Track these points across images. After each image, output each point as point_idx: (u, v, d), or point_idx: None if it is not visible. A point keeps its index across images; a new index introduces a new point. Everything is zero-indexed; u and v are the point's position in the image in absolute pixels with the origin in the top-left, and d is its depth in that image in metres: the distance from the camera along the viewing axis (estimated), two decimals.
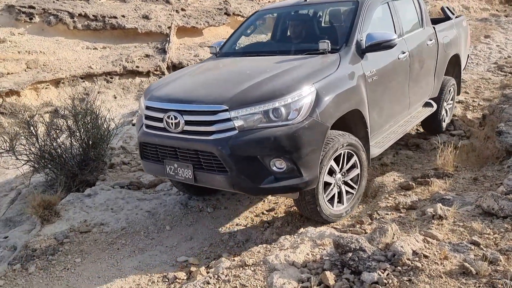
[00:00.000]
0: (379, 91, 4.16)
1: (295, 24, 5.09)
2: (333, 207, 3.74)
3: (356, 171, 3.89)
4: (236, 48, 4.99)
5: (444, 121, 6.05)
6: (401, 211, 3.75)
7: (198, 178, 3.50)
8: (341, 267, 2.49)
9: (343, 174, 3.79)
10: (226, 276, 2.63)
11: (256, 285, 2.50)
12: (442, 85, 5.77)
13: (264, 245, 3.10)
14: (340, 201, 3.82)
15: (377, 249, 2.51)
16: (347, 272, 2.42)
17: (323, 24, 4.94)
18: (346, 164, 3.78)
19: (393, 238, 2.66)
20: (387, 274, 2.26)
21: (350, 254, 2.46)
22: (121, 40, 9.71)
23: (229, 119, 3.28)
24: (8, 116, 7.45)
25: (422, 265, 2.27)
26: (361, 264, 2.39)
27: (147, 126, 3.78)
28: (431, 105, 5.53)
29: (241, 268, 2.72)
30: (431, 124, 5.85)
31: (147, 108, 3.78)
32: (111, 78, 8.83)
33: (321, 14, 4.98)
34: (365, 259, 2.40)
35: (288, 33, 5.12)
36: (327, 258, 2.65)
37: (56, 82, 8.27)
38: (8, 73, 7.84)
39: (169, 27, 9.98)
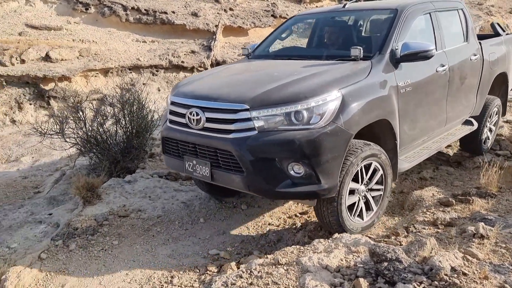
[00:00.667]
0: (413, 103, 4.02)
1: (331, 30, 5.04)
2: (353, 219, 3.62)
3: (379, 187, 3.76)
4: (269, 51, 4.96)
5: (486, 142, 5.75)
6: (439, 227, 3.67)
7: (215, 176, 3.50)
8: (375, 276, 2.47)
9: (366, 185, 3.66)
10: (258, 272, 2.67)
11: (288, 285, 2.52)
12: (486, 103, 5.49)
13: (298, 246, 3.11)
14: (360, 214, 3.71)
15: (414, 261, 2.48)
16: (381, 281, 2.40)
17: (358, 32, 4.84)
18: (370, 177, 3.65)
19: (431, 252, 2.61)
20: (423, 287, 2.23)
21: (385, 264, 2.44)
22: (169, 35, 9.96)
23: (249, 119, 3.26)
24: (59, 100, 7.81)
25: (460, 282, 2.22)
26: (396, 275, 2.36)
27: (171, 121, 3.84)
28: (471, 124, 5.25)
29: (273, 266, 2.75)
30: (471, 144, 5.58)
31: (172, 103, 3.85)
32: (157, 71, 9.08)
33: (357, 22, 4.88)
34: (400, 270, 2.38)
35: (323, 39, 5.08)
36: (361, 265, 2.63)
37: (105, 71, 8.59)
38: (62, 59, 8.21)
39: (216, 26, 10.15)
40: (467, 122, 5.27)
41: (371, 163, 3.59)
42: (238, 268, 3.12)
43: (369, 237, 3.52)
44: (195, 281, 3.25)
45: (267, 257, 2.90)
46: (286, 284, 2.50)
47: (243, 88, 3.56)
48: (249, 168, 3.23)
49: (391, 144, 3.83)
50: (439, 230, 3.58)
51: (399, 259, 2.44)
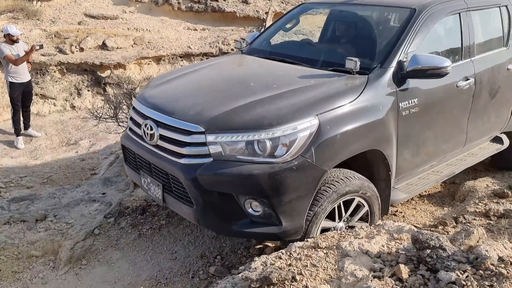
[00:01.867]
0: (419, 126, 3.37)
1: (337, 27, 4.31)
2: None
3: (364, 224, 3.20)
4: (268, 45, 4.25)
5: None
6: (491, 218, 3.50)
7: (167, 200, 3.06)
8: (417, 263, 2.41)
9: (346, 222, 3.17)
10: (298, 254, 2.68)
11: (327, 267, 2.52)
12: None
13: (339, 231, 3.09)
14: None
15: (459, 250, 2.39)
16: (423, 268, 2.33)
17: (365, 34, 3.94)
18: (353, 212, 3.15)
19: (478, 242, 2.50)
20: (467, 276, 2.14)
21: (428, 251, 2.37)
22: (220, 23, 10.09)
23: (204, 144, 2.76)
24: (114, 86, 8.17)
25: (507, 272, 2.12)
26: (439, 263, 2.29)
27: (130, 129, 3.39)
28: (501, 142, 4.44)
29: (313, 249, 2.76)
30: (501, 161, 4.79)
31: (133, 108, 3.39)
32: (207, 59, 9.24)
33: (367, 21, 4.02)
34: (444, 258, 2.30)
35: (328, 38, 4.41)
36: (403, 252, 2.57)
37: (158, 59, 8.86)
38: (117, 48, 8.57)
39: (266, 13, 10.14)
40: (496, 140, 4.47)
41: (353, 199, 3.07)
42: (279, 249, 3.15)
43: (415, 226, 3.43)
44: (238, 261, 3.33)
45: (307, 241, 2.91)
46: (324, 267, 2.50)
47: (203, 103, 3.01)
48: (199, 201, 2.78)
49: (385, 174, 3.26)
50: (490, 222, 3.42)
51: (442, 246, 2.36)
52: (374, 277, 2.34)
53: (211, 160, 2.74)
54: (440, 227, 3.44)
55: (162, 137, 2.96)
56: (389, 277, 2.32)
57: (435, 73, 3.09)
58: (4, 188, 4.95)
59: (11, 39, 6.50)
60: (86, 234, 3.74)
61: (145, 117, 3.13)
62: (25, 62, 6.62)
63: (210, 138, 2.73)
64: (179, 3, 9.94)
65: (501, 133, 4.51)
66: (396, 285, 2.22)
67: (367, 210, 3.16)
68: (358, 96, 2.97)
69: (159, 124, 2.99)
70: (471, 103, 3.79)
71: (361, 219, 3.20)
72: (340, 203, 3.00)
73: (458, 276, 2.15)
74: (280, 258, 2.64)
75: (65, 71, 8.16)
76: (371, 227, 3.12)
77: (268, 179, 2.66)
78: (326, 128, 2.77)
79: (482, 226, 3.24)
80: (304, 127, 2.72)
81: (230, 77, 3.58)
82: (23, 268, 3.32)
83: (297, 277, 2.35)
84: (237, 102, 2.90)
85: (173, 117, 2.92)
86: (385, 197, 3.28)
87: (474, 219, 3.51)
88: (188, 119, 2.85)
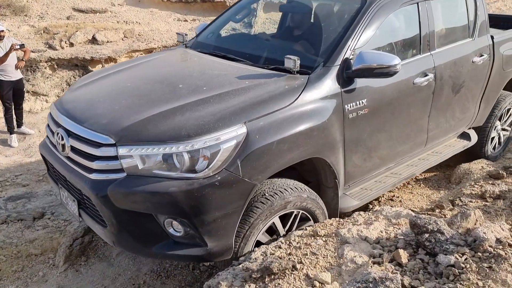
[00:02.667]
0: (369, 129, 3.10)
1: (289, 20, 3.89)
2: None
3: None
4: (216, 38, 3.86)
5: (495, 149, 4.78)
6: (487, 199, 3.53)
7: (84, 217, 2.77)
8: (415, 247, 2.43)
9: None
10: (297, 243, 2.70)
11: (327, 255, 2.53)
12: (496, 103, 4.43)
13: (337, 219, 3.10)
14: None
15: (457, 233, 2.41)
16: (421, 252, 2.36)
17: (313, 28, 3.57)
18: (294, 224, 2.92)
19: (475, 224, 2.53)
20: (465, 259, 2.17)
21: (426, 235, 2.39)
22: (210, 13, 10.01)
23: (115, 157, 2.42)
24: None
25: (505, 253, 2.14)
26: (437, 246, 2.31)
27: (47, 136, 3.06)
28: (468, 138, 4.27)
29: (312, 238, 2.77)
30: (470, 153, 4.54)
31: (49, 114, 3.07)
32: None
33: (317, 13, 3.61)
34: (442, 242, 2.32)
35: (280, 31, 4.07)
36: (402, 237, 2.59)
37: (149, 51, 8.78)
38: (108, 41, 8.48)
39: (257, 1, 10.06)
40: (464, 136, 4.30)
41: (292, 212, 2.83)
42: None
43: (412, 210, 3.46)
44: None
45: (306, 229, 2.92)
46: (324, 255, 2.52)
47: (119, 110, 2.67)
48: (112, 221, 2.46)
49: (332, 182, 3.02)
50: (487, 203, 3.45)
51: (441, 230, 2.38)
52: (374, 263, 2.36)
53: (125, 176, 2.40)
54: (437, 211, 3.46)
55: (73, 149, 2.64)
56: (389, 262, 2.35)
57: (383, 72, 2.81)
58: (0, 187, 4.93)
59: None
60: (85, 231, 3.73)
61: (58, 124, 2.81)
62: (15, 61, 6.54)
63: (123, 151, 2.40)
64: None
65: (469, 128, 4.34)
66: (395, 270, 2.24)
67: (311, 221, 2.96)
68: (296, 100, 2.69)
69: (70, 133, 2.67)
70: (432, 101, 3.53)
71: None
72: (278, 217, 2.76)
73: (457, 259, 2.18)
74: (280, 247, 2.65)
75: (55, 67, 8.07)
76: (369, 213, 3.14)
77: (186, 197, 2.33)
78: (255, 137, 2.46)
79: (479, 208, 3.27)
80: (228, 138, 2.40)
81: (160, 77, 3.15)
82: (23, 266, 3.31)
83: (298, 266, 2.36)
84: (158, 109, 2.58)
85: (83, 126, 2.59)
86: (334, 205, 3.07)
87: (471, 201, 3.53)
88: (98, 128, 2.52)
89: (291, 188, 2.73)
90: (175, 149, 2.36)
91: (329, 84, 2.83)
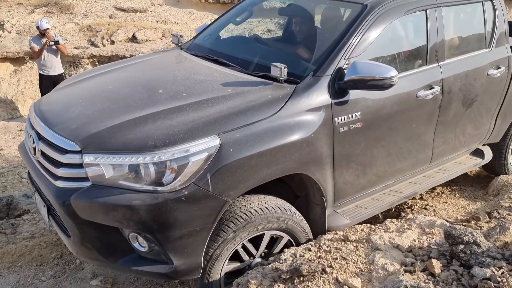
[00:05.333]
0: (364, 144, 2.87)
1: (290, 24, 3.70)
2: None
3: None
4: (209, 40, 3.64)
5: (510, 170, 4.35)
6: None
7: (53, 224, 2.64)
8: (449, 258, 2.38)
9: (265, 257, 2.70)
10: (327, 247, 2.70)
11: (357, 260, 2.52)
12: None
13: (368, 225, 3.08)
14: None
15: (494, 246, 2.35)
16: (456, 264, 2.31)
17: (310, 33, 3.37)
18: (273, 245, 2.71)
19: None
20: (502, 273, 2.11)
21: (461, 246, 2.34)
22: None
23: (80, 165, 2.29)
24: None
25: None
26: (473, 258, 2.26)
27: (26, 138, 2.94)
28: (482, 155, 3.94)
29: (343, 242, 2.76)
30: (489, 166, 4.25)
31: (28, 115, 2.93)
32: None
33: (312, 18, 3.44)
34: (478, 254, 2.27)
35: (281, 35, 3.85)
36: (435, 247, 2.55)
37: None
38: (146, 40, 8.70)
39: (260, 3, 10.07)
40: (477, 153, 3.97)
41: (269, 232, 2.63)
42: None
43: (446, 220, 3.38)
44: None
45: (336, 233, 2.92)
46: (354, 260, 2.51)
47: (91, 115, 2.54)
48: (75, 232, 2.34)
49: (319, 199, 2.79)
50: None
51: (477, 242, 2.32)
52: (406, 271, 2.33)
53: (90, 185, 2.27)
54: (473, 222, 3.38)
55: (42, 153, 2.52)
56: (421, 271, 2.31)
57: (377, 84, 2.60)
58: None
59: (40, 32, 6.74)
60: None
61: (32, 126, 2.72)
62: (55, 57, 6.86)
63: (88, 158, 2.26)
64: None
65: (483, 145, 4.01)
66: (428, 279, 2.21)
67: (289, 240, 2.74)
68: (278, 111, 2.49)
69: (40, 137, 2.57)
70: (438, 115, 3.27)
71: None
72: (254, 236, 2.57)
73: (493, 272, 2.12)
74: (310, 250, 2.66)
75: (97, 63, 8.36)
76: (402, 221, 3.10)
77: (149, 211, 2.19)
78: (229, 150, 2.28)
79: None
80: (199, 150, 2.24)
81: (144, 80, 2.98)
82: (62, 253, 3.45)
83: (327, 270, 2.36)
84: (130, 115, 2.43)
85: (53, 130, 2.47)
86: (321, 223, 2.86)
87: (509, 214, 3.43)
88: (66, 134, 2.39)
89: (269, 208, 2.53)
90: (142, 160, 2.21)
91: (318, 95, 2.62)
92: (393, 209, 3.88)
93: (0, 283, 3.16)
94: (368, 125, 2.82)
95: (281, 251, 2.66)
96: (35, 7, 9.19)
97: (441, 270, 2.30)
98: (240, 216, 2.44)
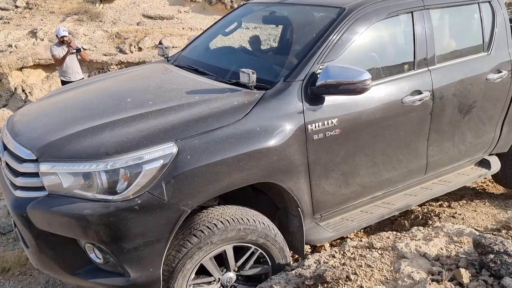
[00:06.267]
0: (343, 152, 2.73)
1: (279, 31, 3.65)
2: None
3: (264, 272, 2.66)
4: (195, 51, 3.63)
5: None
6: None
7: (19, 236, 2.58)
8: (479, 268, 2.32)
9: (238, 271, 2.61)
10: (352, 254, 2.67)
11: (382, 268, 2.48)
12: None
13: (394, 232, 3.03)
14: None
15: None
16: (485, 273, 2.24)
17: (284, 39, 3.30)
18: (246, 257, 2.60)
19: None
20: None
21: (491, 256, 2.27)
22: None
23: (37, 174, 2.25)
24: None
25: None
26: (503, 268, 2.19)
27: None
28: (488, 166, 3.70)
29: (367, 249, 2.72)
30: (501, 180, 4.07)
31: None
32: None
33: (291, 23, 3.41)
34: (509, 264, 2.19)
35: (254, 43, 3.81)
36: (464, 256, 2.48)
37: None
38: (173, 47, 8.84)
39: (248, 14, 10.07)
40: (482, 163, 3.73)
41: (242, 246, 2.52)
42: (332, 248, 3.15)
43: (475, 229, 3.29)
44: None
45: (361, 240, 2.88)
46: (380, 268, 2.47)
47: (53, 124, 2.53)
48: (32, 242, 2.32)
49: (295, 210, 2.68)
50: None
51: (508, 252, 2.25)
52: (433, 280, 2.28)
53: (46, 194, 2.23)
54: (503, 231, 3.27)
55: (6, 163, 2.52)
56: (448, 281, 2.26)
57: (349, 88, 2.48)
58: None
59: (59, 40, 6.93)
60: None
61: (3, 135, 2.75)
62: (76, 63, 7.02)
63: (44, 167, 2.22)
64: (232, 1, 10.08)
65: (490, 155, 3.76)
66: None
67: (263, 255, 2.63)
68: (243, 118, 2.41)
69: (5, 146, 2.58)
70: (430, 123, 3.10)
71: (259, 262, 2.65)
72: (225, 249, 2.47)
73: None
74: (334, 256, 2.64)
75: None
76: (429, 229, 3.03)
77: (101, 221, 2.13)
78: (186, 158, 2.20)
79: None
80: (153, 157, 2.17)
81: (117, 90, 3.00)
82: None
83: (352, 277, 2.33)
84: (91, 123, 2.41)
85: (16, 139, 2.48)
86: (299, 235, 2.72)
87: None
88: (25, 143, 2.39)
89: (239, 219, 2.44)
90: (94, 168, 2.16)
91: (288, 101, 2.53)
92: (420, 216, 3.80)
93: (30, 283, 3.26)
94: (347, 133, 2.69)
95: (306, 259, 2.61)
96: (66, 15, 9.49)
97: (470, 280, 2.23)
98: (206, 228, 2.36)
